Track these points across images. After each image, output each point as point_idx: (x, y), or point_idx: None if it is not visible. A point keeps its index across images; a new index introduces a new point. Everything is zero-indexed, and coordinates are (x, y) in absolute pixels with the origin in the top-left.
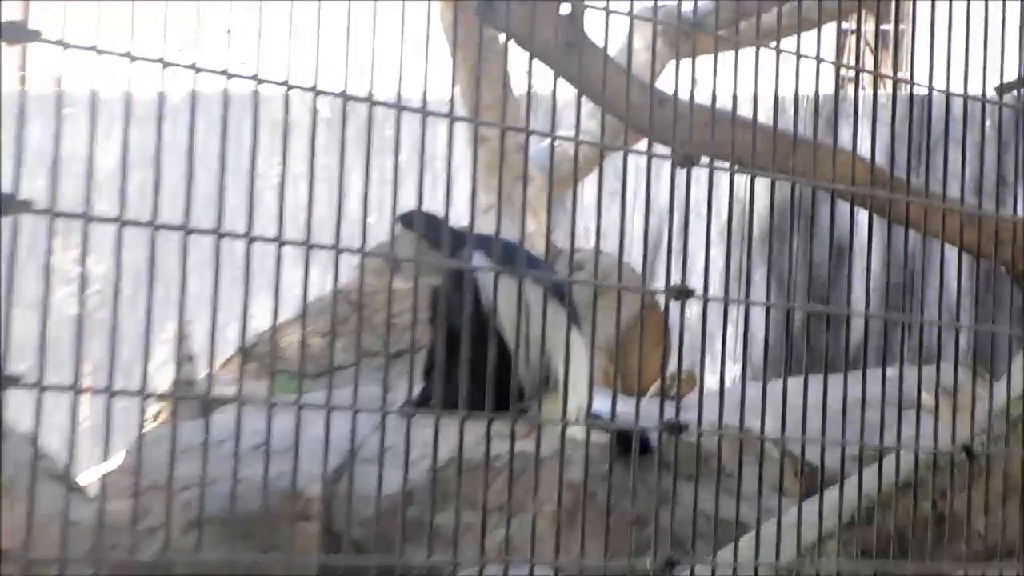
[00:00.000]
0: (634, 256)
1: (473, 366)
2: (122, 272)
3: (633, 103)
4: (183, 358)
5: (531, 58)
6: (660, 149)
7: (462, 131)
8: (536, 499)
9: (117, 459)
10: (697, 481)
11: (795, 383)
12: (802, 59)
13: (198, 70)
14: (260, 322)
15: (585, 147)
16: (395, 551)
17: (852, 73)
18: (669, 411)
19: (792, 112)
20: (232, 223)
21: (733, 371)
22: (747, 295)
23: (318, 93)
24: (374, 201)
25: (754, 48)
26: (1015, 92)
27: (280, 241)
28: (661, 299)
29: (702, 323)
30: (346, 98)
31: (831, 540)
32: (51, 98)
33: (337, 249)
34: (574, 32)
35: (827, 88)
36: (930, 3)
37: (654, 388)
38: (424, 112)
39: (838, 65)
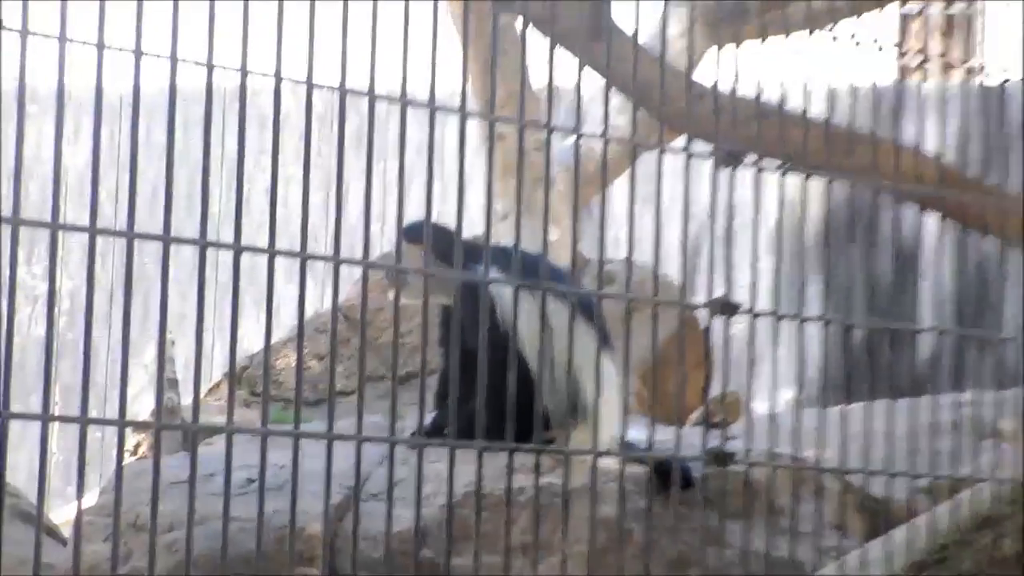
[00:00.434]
0: (671, 267)
1: (491, 391)
2: (95, 287)
3: (668, 95)
4: (165, 383)
5: (552, 46)
6: (699, 147)
7: (475, 129)
8: (565, 539)
9: (93, 496)
10: (747, 518)
11: (856, 408)
12: (860, 45)
13: (177, 61)
14: (251, 343)
15: (614, 145)
16: None
17: (917, 60)
18: (713, 439)
19: (849, 105)
20: (218, 232)
21: (786, 395)
22: (800, 309)
23: (312, 86)
24: (376, 208)
25: (806, 33)
26: None
27: (272, 252)
28: (702, 315)
29: (750, 341)
30: (344, 92)
31: None
32: (12, 93)
33: (336, 261)
34: (600, 16)
35: (888, 78)
36: None
37: (696, 415)
38: (432, 107)
39: (901, 51)
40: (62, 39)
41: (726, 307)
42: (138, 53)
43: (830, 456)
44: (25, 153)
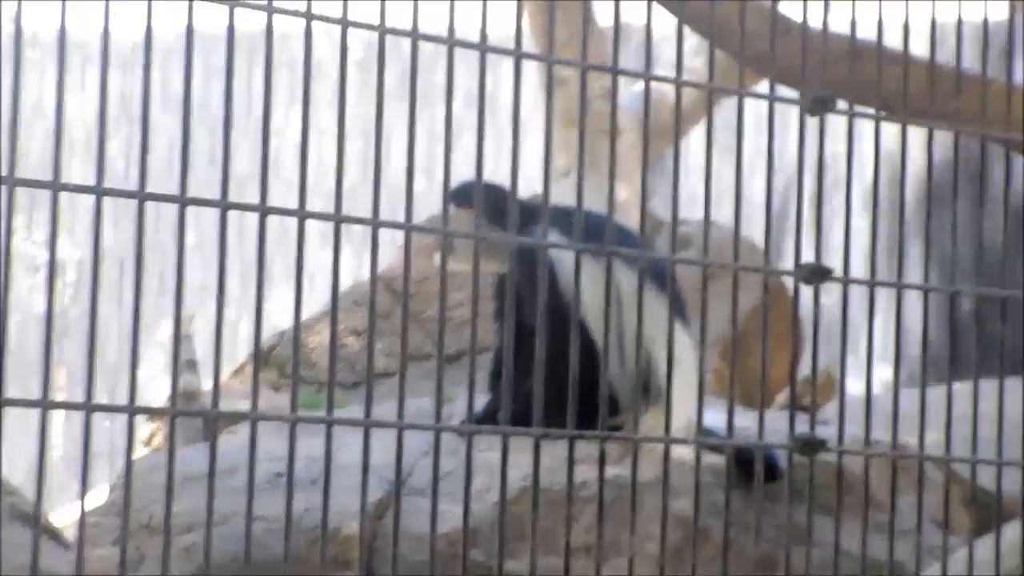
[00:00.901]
0: (754, 229)
1: (551, 370)
2: (103, 256)
3: (750, 33)
4: (182, 364)
5: None
6: (785, 91)
7: (532, 73)
8: (634, 537)
9: (100, 494)
10: (839, 513)
11: (963, 388)
12: None
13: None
14: (279, 318)
15: (689, 90)
16: None
17: None
18: (802, 425)
19: (954, 43)
20: (241, 192)
21: (883, 373)
22: (899, 276)
23: (348, 25)
24: (421, 163)
25: None
26: None
27: (302, 214)
28: (789, 282)
29: (843, 312)
30: (384, 32)
31: None
32: (8, 40)
33: (375, 223)
34: None
35: (1000, 13)
36: None
37: (782, 396)
38: (483, 48)
39: None
40: None
41: (816, 273)
42: None
43: (933, 442)
44: (25, 105)
